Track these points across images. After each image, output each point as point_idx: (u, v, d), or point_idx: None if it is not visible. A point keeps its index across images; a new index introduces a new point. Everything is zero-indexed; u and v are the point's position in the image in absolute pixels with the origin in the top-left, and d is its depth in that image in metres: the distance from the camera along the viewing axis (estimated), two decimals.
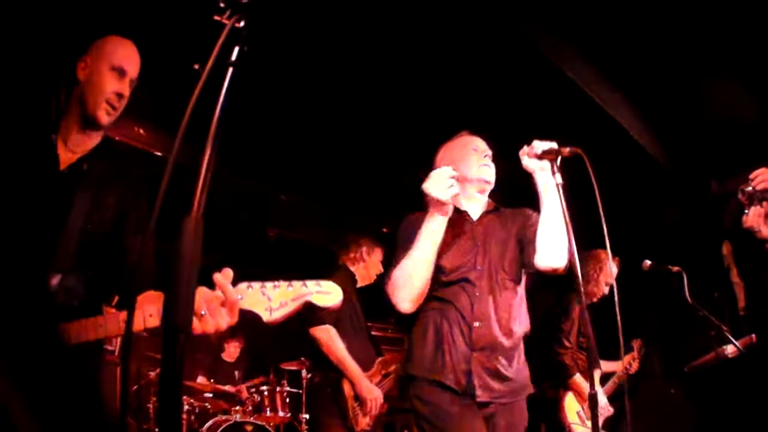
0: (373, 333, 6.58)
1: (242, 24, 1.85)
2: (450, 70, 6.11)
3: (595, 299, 6.42)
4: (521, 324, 3.76)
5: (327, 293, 2.57)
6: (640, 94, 6.56)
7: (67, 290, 2.78)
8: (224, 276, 2.45)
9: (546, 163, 3.46)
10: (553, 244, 3.51)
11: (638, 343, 6.77)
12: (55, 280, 2.74)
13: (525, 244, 3.76)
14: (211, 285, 2.43)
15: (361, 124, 7.00)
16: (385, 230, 7.77)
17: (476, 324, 3.59)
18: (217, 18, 1.86)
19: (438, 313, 3.69)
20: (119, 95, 2.97)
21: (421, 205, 3.75)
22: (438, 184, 3.49)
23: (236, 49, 1.83)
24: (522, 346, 3.78)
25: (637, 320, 7.43)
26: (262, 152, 7.37)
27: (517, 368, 3.69)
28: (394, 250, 3.83)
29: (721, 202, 6.79)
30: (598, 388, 6.29)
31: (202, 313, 2.37)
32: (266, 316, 2.44)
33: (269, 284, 2.48)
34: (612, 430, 6.61)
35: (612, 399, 6.44)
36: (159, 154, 6.91)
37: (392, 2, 5.43)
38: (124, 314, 2.59)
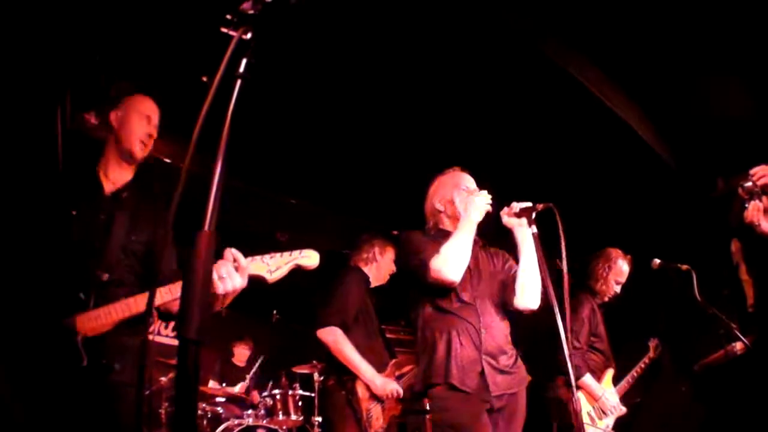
0: (386, 335, 6.56)
1: (249, 36, 1.87)
2: (455, 72, 6.10)
3: (606, 298, 6.39)
4: (508, 333, 4.31)
5: (308, 257, 3.24)
6: (645, 94, 6.55)
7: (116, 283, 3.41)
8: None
9: (523, 220, 4.12)
10: (530, 289, 4.20)
11: (655, 343, 6.75)
12: (105, 277, 3.37)
13: (505, 286, 4.34)
14: None
15: (368, 127, 7.00)
16: (394, 233, 7.76)
17: (483, 331, 4.09)
18: (224, 30, 1.88)
19: (445, 324, 4.14)
20: (149, 135, 3.69)
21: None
22: (478, 208, 4.09)
23: (244, 62, 1.85)
24: (514, 350, 4.26)
25: (648, 319, 7.42)
26: (271, 157, 7.37)
27: (516, 365, 4.19)
28: (408, 256, 4.33)
29: (727, 199, 6.80)
30: (610, 387, 6.31)
31: (223, 275, 2.87)
32: (268, 277, 3.14)
33: (266, 256, 3.18)
34: (625, 429, 6.61)
35: (624, 399, 6.43)
36: (168, 160, 6.92)
37: (400, 11, 5.45)
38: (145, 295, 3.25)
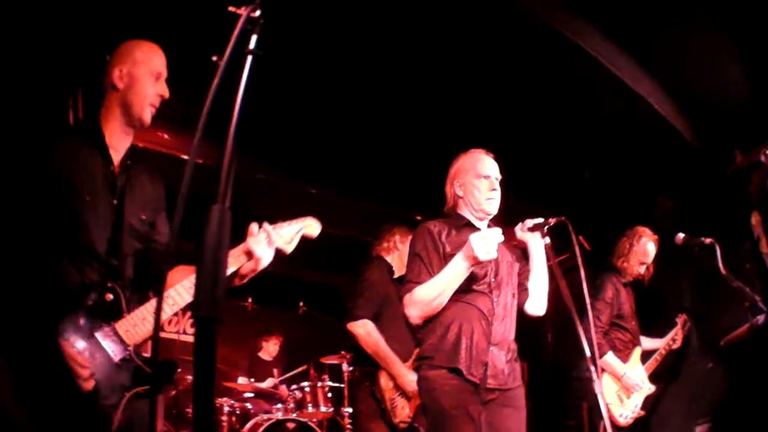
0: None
1: (257, 13, 1.85)
2: (474, 52, 6.06)
3: (630, 277, 6.36)
4: (514, 328, 4.36)
5: (311, 225, 3.44)
6: (662, 67, 6.48)
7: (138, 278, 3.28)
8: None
9: (537, 234, 4.35)
10: (540, 297, 4.39)
11: (683, 318, 6.70)
12: (129, 272, 3.24)
13: (520, 283, 4.45)
14: None
15: (388, 112, 6.96)
16: (418, 218, 7.73)
17: (495, 323, 4.13)
18: (232, 9, 1.86)
19: (460, 311, 4.12)
20: (161, 96, 3.37)
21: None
22: (485, 244, 3.87)
23: (254, 38, 1.83)
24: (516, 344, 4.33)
25: (675, 295, 7.36)
26: (289, 146, 7.36)
27: (515, 362, 4.23)
28: (410, 258, 4.39)
29: (746, 173, 6.74)
30: (638, 365, 6.27)
31: (260, 255, 3.11)
32: (287, 248, 3.30)
33: (278, 228, 3.29)
34: (653, 408, 6.57)
35: (654, 377, 6.39)
36: (185, 157, 6.93)
37: None
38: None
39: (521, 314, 4.40)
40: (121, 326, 3.01)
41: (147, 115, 3.33)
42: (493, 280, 4.21)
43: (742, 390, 6.41)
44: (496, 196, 4.35)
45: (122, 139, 3.36)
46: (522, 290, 4.40)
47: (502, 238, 3.92)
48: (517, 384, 4.17)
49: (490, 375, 4.00)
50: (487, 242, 3.84)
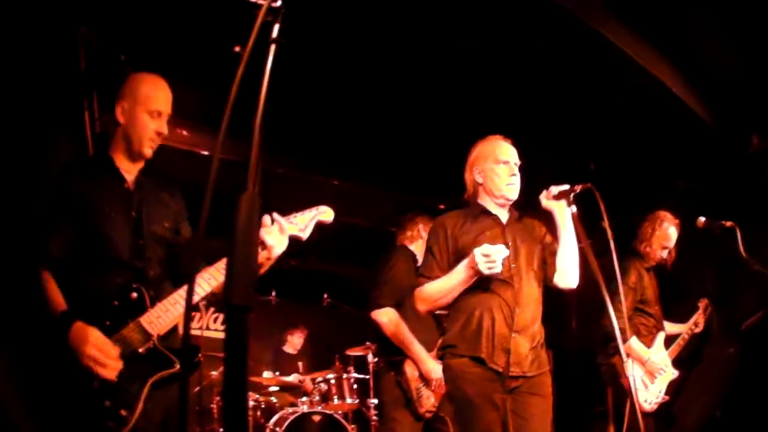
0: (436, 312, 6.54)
1: (279, 2, 1.84)
2: (494, 42, 6.08)
3: (653, 262, 6.33)
4: (540, 314, 4.29)
5: (325, 212, 3.56)
6: (680, 51, 6.45)
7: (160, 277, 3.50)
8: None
9: (563, 201, 4.21)
10: (570, 268, 4.25)
11: (704, 303, 6.69)
12: (151, 273, 3.46)
13: (544, 261, 4.37)
14: None
15: (407, 102, 6.99)
16: (441, 207, 7.72)
17: (517, 310, 4.10)
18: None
19: (482, 299, 4.13)
20: (158, 133, 3.54)
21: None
22: (486, 261, 3.86)
23: (276, 27, 1.82)
24: (542, 330, 4.29)
25: (697, 279, 7.32)
26: (310, 139, 7.38)
27: (540, 348, 4.21)
28: (425, 251, 4.50)
29: (764, 155, 6.69)
30: (662, 350, 6.24)
31: (272, 242, 3.21)
32: (302, 235, 3.44)
33: (290, 216, 3.44)
34: (677, 393, 6.55)
35: (677, 362, 6.36)
36: (205, 153, 6.95)
37: None
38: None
39: (549, 297, 4.38)
40: (145, 319, 3.24)
41: (147, 150, 3.53)
42: (514, 265, 4.17)
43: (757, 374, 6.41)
44: (516, 181, 4.33)
45: (132, 165, 3.59)
46: (549, 265, 4.33)
47: (506, 253, 3.92)
48: (543, 371, 4.17)
49: (513, 362, 4.01)
50: (489, 258, 3.84)
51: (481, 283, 4.08)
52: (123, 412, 3.07)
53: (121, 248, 3.38)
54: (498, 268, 3.86)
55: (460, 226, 4.32)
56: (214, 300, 3.50)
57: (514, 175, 4.34)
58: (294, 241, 3.40)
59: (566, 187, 4.19)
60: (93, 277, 3.32)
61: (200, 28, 5.32)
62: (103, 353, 3.06)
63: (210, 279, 3.29)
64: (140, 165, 3.60)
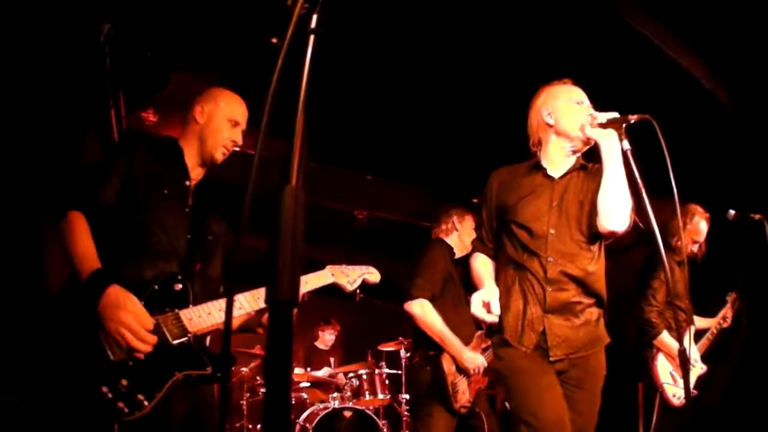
0: None
1: None
2: (526, 38, 6.12)
3: (684, 256, 6.26)
4: (597, 284, 3.81)
5: (372, 273, 4.03)
6: (705, 40, 6.39)
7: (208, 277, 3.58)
8: None
9: (611, 131, 3.58)
10: (613, 209, 3.61)
11: (733, 296, 6.66)
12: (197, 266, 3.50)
13: (591, 211, 3.77)
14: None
15: (442, 95, 7.00)
16: (474, 200, 7.69)
17: (549, 288, 3.70)
18: None
19: (513, 278, 3.83)
20: (234, 142, 3.64)
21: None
22: (480, 308, 3.65)
23: (314, 17, 1.79)
24: (596, 303, 3.83)
25: (726, 272, 7.26)
26: (343, 134, 7.39)
27: (589, 324, 3.78)
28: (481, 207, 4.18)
29: None
30: (691, 344, 6.17)
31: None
32: (348, 287, 3.85)
33: (343, 267, 3.87)
34: (704, 388, 6.48)
35: (705, 357, 6.31)
36: (252, 152, 6.97)
37: None
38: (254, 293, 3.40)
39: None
40: (186, 314, 3.22)
41: (218, 155, 3.61)
42: (552, 231, 3.75)
43: None
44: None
45: (197, 167, 3.65)
46: (594, 210, 3.71)
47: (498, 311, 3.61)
48: (591, 351, 3.77)
49: (552, 345, 3.68)
50: (481, 306, 3.62)
51: (515, 256, 3.82)
52: (140, 397, 2.97)
53: (171, 234, 3.38)
54: (494, 318, 3.61)
55: (508, 182, 3.99)
56: (244, 326, 3.62)
57: (590, 114, 3.75)
58: (339, 288, 3.84)
59: (617, 114, 3.59)
60: (135, 254, 3.28)
61: (233, 22, 5.33)
62: (140, 323, 3.00)
63: (251, 301, 3.36)
64: (203, 171, 3.68)
